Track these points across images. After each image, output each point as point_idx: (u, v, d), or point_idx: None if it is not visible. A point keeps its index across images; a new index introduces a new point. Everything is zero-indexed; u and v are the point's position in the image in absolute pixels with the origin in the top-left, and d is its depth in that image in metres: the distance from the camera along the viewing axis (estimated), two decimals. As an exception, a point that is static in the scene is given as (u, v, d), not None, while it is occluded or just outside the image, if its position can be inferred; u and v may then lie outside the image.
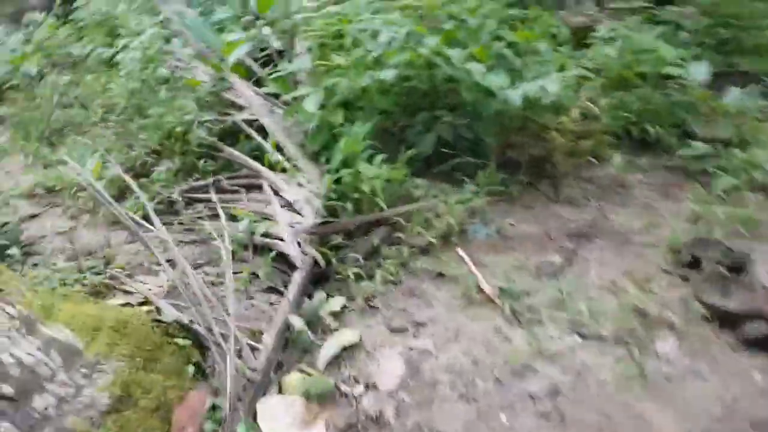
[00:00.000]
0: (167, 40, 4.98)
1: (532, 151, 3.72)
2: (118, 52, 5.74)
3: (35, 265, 3.41)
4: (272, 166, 3.66)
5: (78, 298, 2.41)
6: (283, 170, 3.61)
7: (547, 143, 3.69)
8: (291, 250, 2.96)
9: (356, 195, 3.30)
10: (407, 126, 3.83)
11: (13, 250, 3.52)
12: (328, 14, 3.92)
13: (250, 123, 4.04)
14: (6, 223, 4.03)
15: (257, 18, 4.43)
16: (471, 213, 3.33)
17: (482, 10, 3.88)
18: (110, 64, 5.46)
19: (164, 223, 3.96)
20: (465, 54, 3.41)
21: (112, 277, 3.22)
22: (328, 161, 3.56)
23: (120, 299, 2.92)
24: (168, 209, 4.07)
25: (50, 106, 5.57)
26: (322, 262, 2.98)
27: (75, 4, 7.10)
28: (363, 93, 3.60)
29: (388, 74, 3.45)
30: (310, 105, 3.45)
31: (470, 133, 3.70)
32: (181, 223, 3.92)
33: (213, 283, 3.20)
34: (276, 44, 4.43)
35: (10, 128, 5.61)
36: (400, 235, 3.23)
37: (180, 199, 4.04)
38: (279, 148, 3.74)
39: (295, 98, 3.68)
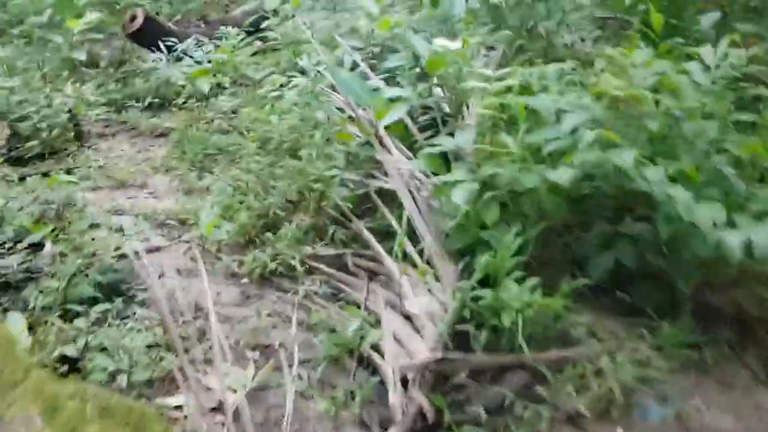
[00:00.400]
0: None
1: (740, 302, 2.80)
2: (283, 85, 5.53)
3: (120, 323, 3.07)
4: (402, 256, 3.07)
5: (120, 411, 1.95)
6: (414, 264, 3.01)
7: (764, 297, 2.74)
8: (391, 392, 2.33)
9: (494, 322, 2.61)
10: (577, 236, 3.08)
11: (111, 302, 3.21)
12: (505, 85, 3.25)
13: (391, 195, 3.49)
14: (123, 256, 3.82)
15: (427, 74, 3.88)
16: (644, 379, 2.50)
17: (703, 108, 3.01)
18: (277, 96, 5.19)
19: (279, 290, 3.58)
20: (670, 168, 2.60)
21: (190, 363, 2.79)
22: (470, 266, 2.90)
23: (181, 401, 2.47)
24: (288, 273, 3.63)
25: (210, 129, 5.43)
26: (430, 415, 2.31)
27: (265, 24, 7.06)
28: (529, 191, 2.90)
29: (563, 176, 2.73)
30: (460, 196, 2.81)
31: (660, 261, 2.86)
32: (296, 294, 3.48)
33: (303, 395, 2.66)
34: (444, 105, 3.85)
35: (170, 144, 5.54)
36: (542, 390, 2.48)
37: (300, 266, 3.58)
38: (414, 234, 3.14)
39: (445, 182, 3.06)
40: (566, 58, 4.57)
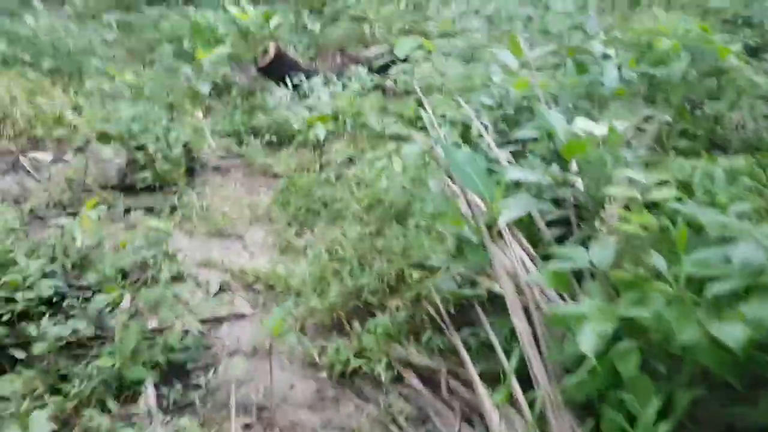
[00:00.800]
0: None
1: None
2: (402, 139, 5.12)
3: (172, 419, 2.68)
4: (508, 397, 2.46)
5: None
6: (520, 412, 2.39)
7: None
8: None
9: None
10: (739, 400, 2.35)
11: (170, 386, 2.84)
12: (660, 198, 2.59)
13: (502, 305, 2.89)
14: (203, 321, 3.48)
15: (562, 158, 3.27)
16: None
17: None
18: (392, 155, 4.73)
19: (359, 398, 3.08)
20: None
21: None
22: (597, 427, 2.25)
23: None
24: (372, 375, 3.13)
25: (319, 180, 5.07)
26: None
27: (395, 69, 6.69)
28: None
29: (733, 335, 2.04)
30: (588, 342, 2.17)
31: None
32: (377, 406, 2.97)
33: None
34: (581, 197, 3.21)
35: (276, 190, 5.24)
36: None
37: (386, 370, 3.07)
38: (524, 364, 2.52)
39: (570, 314, 2.43)
40: (738, 148, 3.81)
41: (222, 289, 3.95)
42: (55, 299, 3.40)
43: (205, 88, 5.96)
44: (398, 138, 5.53)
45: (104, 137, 5.60)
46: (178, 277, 3.95)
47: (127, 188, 5.38)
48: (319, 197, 4.81)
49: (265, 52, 7.06)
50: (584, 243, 2.96)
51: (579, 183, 3.23)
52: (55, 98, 7.07)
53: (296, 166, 5.46)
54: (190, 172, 5.61)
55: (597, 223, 3.02)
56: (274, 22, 8.09)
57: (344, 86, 6.71)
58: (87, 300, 3.49)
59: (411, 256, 3.61)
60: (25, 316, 3.26)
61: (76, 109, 6.88)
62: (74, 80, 7.78)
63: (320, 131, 5.47)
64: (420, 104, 5.57)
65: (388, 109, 6.31)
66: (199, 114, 6.37)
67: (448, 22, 6.80)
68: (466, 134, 4.54)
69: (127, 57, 9.07)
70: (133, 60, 8.81)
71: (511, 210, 2.86)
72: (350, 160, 5.54)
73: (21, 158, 5.91)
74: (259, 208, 4.94)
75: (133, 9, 11.20)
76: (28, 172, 5.69)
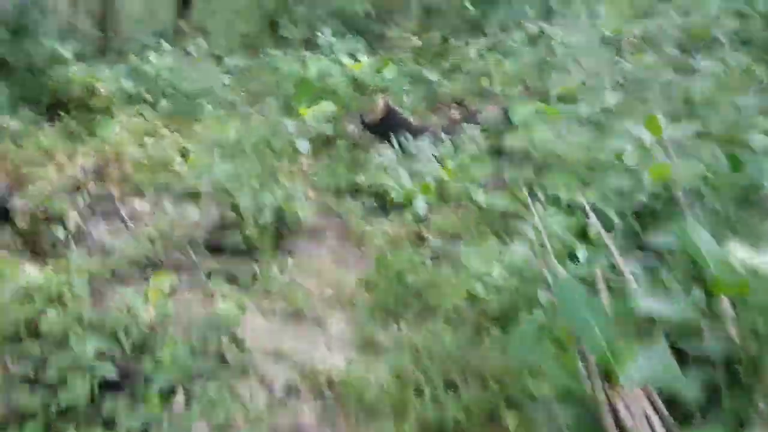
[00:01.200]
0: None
1: None
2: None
3: None
4: None
5: None
6: None
7: None
8: None
9: None
10: None
11: None
12: None
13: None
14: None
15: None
16: None
17: None
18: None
19: None
20: None
21: None
22: None
23: None
24: None
25: (414, 260, 4.53)
26: None
27: (517, 131, 6.11)
28: None
29: None
30: None
31: None
32: None
33: None
34: (734, 347, 2.47)
35: (367, 266, 4.75)
36: None
37: None
38: None
39: None
40: None
41: (289, 389, 3.47)
42: (96, 398, 3.06)
43: (304, 146, 5.61)
44: (508, 216, 4.94)
45: (197, 194, 5.39)
46: (242, 370, 3.54)
47: (213, 249, 5.09)
48: (412, 283, 4.26)
49: (374, 108, 6.68)
50: (738, 418, 2.24)
51: (731, 327, 2.49)
52: (165, 140, 7.05)
53: (392, 239, 4.95)
54: (280, 236, 5.25)
55: (757, 392, 2.29)
56: (389, 73, 7.76)
57: (456, 148, 6.20)
58: (135, 398, 3.13)
59: (508, 386, 2.98)
60: (63, 415, 2.94)
61: (184, 155, 6.79)
62: (187, 123, 7.78)
63: (421, 204, 4.97)
64: (534, 179, 4.98)
65: (499, 178, 5.73)
66: (299, 170, 6.06)
67: (573, 86, 6.13)
68: (584, 226, 3.90)
69: (243, 101, 9.04)
70: (247, 105, 8.75)
71: (640, 378, 2.18)
72: (453, 237, 4.99)
73: (119, 205, 5.82)
74: (344, 288, 4.46)
75: (259, 50, 11.30)
76: (123, 220, 5.55)
